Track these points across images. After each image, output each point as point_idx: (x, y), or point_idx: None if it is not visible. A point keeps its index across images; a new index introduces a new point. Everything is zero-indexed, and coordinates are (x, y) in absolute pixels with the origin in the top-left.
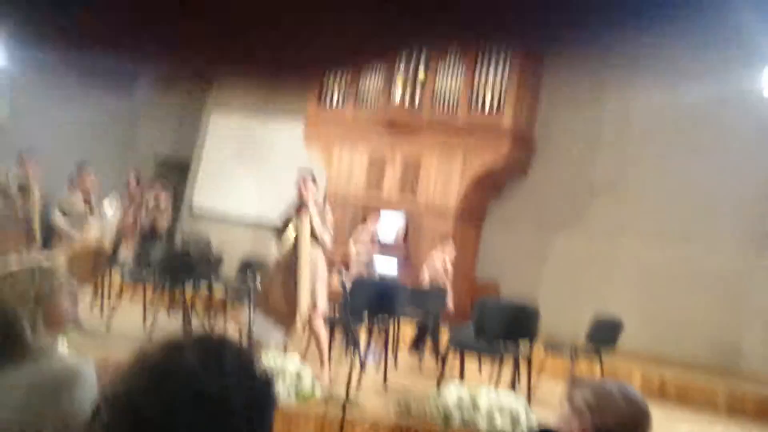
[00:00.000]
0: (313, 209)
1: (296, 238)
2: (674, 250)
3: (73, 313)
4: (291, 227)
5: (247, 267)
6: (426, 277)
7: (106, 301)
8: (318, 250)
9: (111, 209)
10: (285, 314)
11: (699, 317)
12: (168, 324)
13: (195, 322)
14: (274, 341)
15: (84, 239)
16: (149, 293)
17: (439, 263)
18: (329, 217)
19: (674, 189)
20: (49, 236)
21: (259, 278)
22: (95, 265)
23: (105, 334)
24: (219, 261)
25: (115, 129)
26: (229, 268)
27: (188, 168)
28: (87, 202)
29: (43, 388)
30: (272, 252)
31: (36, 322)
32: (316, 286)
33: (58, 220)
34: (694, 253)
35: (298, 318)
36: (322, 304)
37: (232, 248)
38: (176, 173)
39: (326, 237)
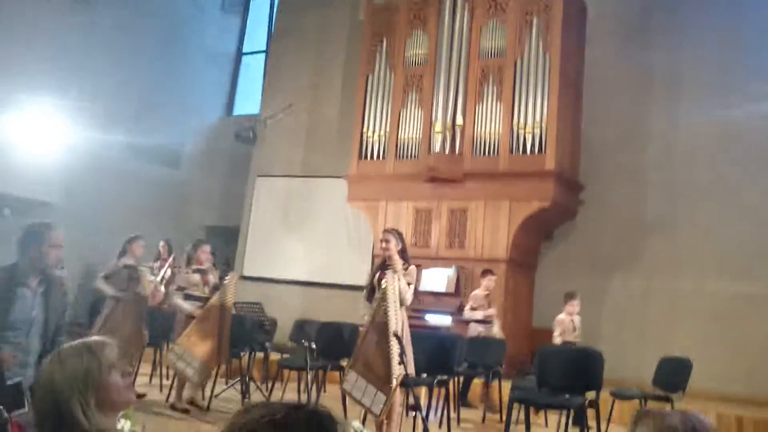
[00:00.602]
0: (395, 267)
1: (383, 298)
2: (736, 283)
3: (128, 392)
4: (378, 286)
5: (301, 329)
6: (556, 334)
7: (163, 374)
8: (402, 309)
9: (228, 278)
10: (383, 375)
11: None
12: (227, 394)
13: (253, 390)
14: (370, 401)
15: (205, 314)
16: None
17: (566, 321)
18: (413, 272)
19: (730, 219)
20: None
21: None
22: (225, 332)
23: (165, 409)
24: (273, 326)
25: (165, 202)
26: (283, 332)
27: (237, 235)
28: (203, 276)
29: None
30: (361, 312)
31: (88, 403)
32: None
33: (179, 301)
34: (761, 286)
35: (393, 379)
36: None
37: (284, 311)
38: (226, 241)
39: (407, 295)
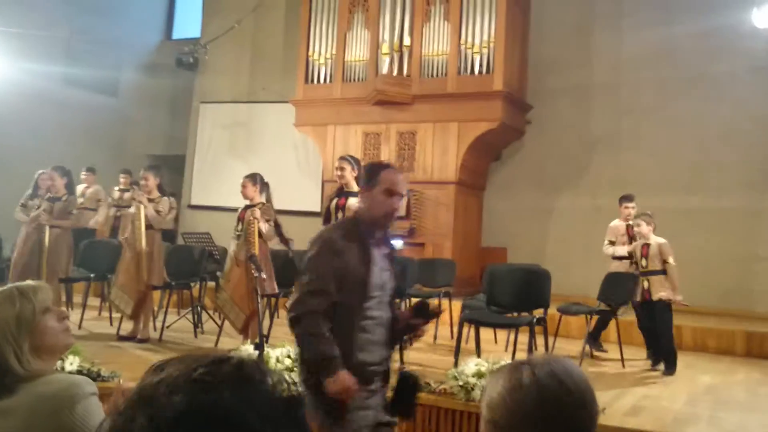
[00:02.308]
0: (353, 194)
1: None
2: (680, 198)
3: (64, 335)
4: (334, 212)
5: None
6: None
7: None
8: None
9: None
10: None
11: (710, 264)
12: (179, 324)
13: (205, 319)
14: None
15: None
16: (157, 294)
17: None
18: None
19: (673, 135)
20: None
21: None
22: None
23: (116, 341)
24: (223, 255)
25: (105, 132)
26: None
27: (182, 164)
28: None
29: (42, 411)
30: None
31: (21, 349)
32: None
33: None
34: (699, 200)
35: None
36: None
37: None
38: (172, 171)
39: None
